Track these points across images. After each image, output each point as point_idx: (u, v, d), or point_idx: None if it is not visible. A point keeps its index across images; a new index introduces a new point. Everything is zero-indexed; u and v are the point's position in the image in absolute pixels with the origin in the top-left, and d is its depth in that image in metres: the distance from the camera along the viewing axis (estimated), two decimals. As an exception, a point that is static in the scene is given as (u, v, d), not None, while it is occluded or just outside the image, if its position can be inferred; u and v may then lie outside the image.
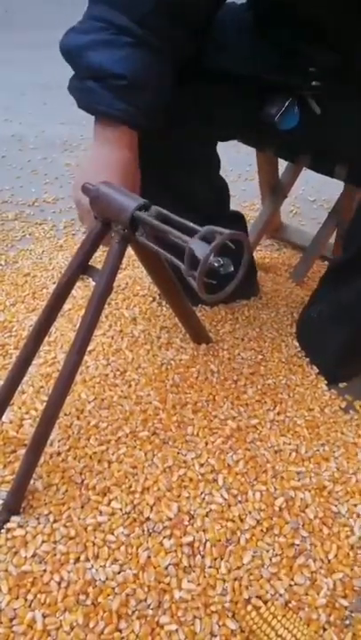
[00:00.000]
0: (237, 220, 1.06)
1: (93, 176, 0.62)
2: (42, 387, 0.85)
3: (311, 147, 0.87)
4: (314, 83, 0.73)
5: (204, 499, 0.71)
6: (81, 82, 0.63)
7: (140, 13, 0.60)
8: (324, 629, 0.60)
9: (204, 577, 0.63)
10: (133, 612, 0.59)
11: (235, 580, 0.63)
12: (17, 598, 0.59)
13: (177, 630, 0.58)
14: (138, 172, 0.65)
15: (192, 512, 0.69)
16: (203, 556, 0.65)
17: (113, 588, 0.61)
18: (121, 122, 0.63)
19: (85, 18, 0.63)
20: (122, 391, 0.85)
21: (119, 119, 0.63)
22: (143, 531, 0.66)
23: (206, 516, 0.69)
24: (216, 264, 0.48)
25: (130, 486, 0.71)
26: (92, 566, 0.62)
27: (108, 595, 0.60)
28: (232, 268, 0.50)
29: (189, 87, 0.74)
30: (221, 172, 0.96)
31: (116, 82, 0.60)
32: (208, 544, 0.65)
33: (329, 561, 0.66)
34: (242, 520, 0.69)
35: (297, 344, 0.99)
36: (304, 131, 0.77)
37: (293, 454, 0.78)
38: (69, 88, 0.65)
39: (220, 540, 0.66)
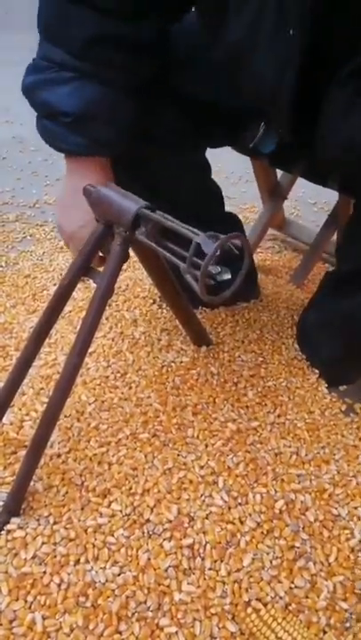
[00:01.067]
0: (234, 224, 1.06)
1: (70, 205, 0.64)
2: (42, 388, 0.85)
3: (301, 158, 0.87)
4: None
5: (204, 501, 0.71)
6: (40, 121, 0.64)
7: (79, 46, 0.59)
8: (325, 632, 0.60)
9: (204, 579, 0.63)
10: (133, 614, 0.59)
11: (235, 582, 0.63)
12: (17, 600, 0.59)
13: (177, 633, 0.58)
14: None
15: (192, 514, 0.69)
16: (203, 559, 0.65)
17: (113, 590, 0.61)
18: (81, 155, 0.64)
19: (36, 57, 0.63)
20: (122, 393, 0.85)
21: (78, 153, 0.63)
22: (143, 533, 0.66)
23: (206, 518, 0.68)
24: (213, 271, 0.49)
25: (130, 488, 0.71)
26: (92, 568, 0.62)
27: (108, 597, 0.60)
28: (229, 276, 0.50)
29: (174, 100, 0.74)
30: (221, 175, 0.97)
31: (64, 119, 0.61)
32: (208, 546, 0.65)
33: (329, 564, 0.66)
34: (242, 522, 0.69)
35: (297, 347, 0.99)
36: (288, 149, 0.76)
37: (294, 457, 0.78)
38: (36, 126, 0.65)
39: (220, 543, 0.66)
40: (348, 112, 0.56)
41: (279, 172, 1.23)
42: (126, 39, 0.60)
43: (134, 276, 1.17)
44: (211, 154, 0.94)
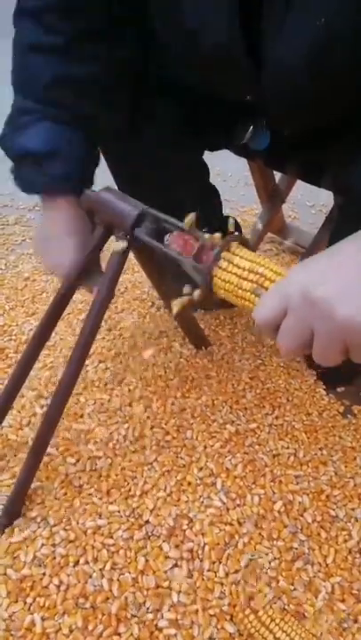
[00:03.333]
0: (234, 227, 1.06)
1: (44, 239, 0.67)
2: (42, 391, 0.86)
3: (295, 159, 0.87)
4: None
5: (202, 502, 0.71)
6: (15, 172, 0.66)
7: (37, 91, 0.62)
8: (322, 633, 0.60)
9: (203, 580, 0.63)
10: (132, 615, 0.59)
11: (233, 583, 0.63)
12: (16, 601, 0.60)
13: (175, 634, 0.58)
14: (87, 225, 0.68)
15: (191, 516, 0.69)
16: (201, 560, 0.65)
17: (112, 592, 0.61)
18: (40, 192, 0.66)
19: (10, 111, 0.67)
20: (121, 395, 0.85)
21: (38, 191, 0.66)
22: (142, 534, 0.67)
23: (205, 519, 0.69)
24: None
25: (129, 490, 0.71)
26: (92, 569, 0.63)
27: (108, 598, 0.60)
28: None
29: (167, 101, 0.74)
30: (220, 178, 0.97)
31: (26, 160, 0.64)
32: (207, 548, 0.66)
33: (327, 565, 0.67)
34: (240, 524, 0.69)
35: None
36: (281, 147, 0.76)
37: (292, 458, 0.79)
38: (14, 178, 0.68)
39: (218, 544, 0.66)
40: (284, 18, 0.54)
41: (277, 176, 1.24)
42: (77, 80, 0.63)
43: (133, 278, 1.17)
44: (209, 157, 0.94)
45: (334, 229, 0.88)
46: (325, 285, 0.39)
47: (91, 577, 0.62)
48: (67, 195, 0.65)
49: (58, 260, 0.66)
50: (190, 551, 0.65)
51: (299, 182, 1.23)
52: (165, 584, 0.62)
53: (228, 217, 1.09)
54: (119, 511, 0.69)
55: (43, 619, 0.58)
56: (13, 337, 0.98)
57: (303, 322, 0.40)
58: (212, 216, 1.01)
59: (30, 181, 0.65)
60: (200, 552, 0.66)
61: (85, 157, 0.67)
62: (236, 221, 1.09)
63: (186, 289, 0.52)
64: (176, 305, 0.53)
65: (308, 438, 0.83)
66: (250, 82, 0.62)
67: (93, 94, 0.65)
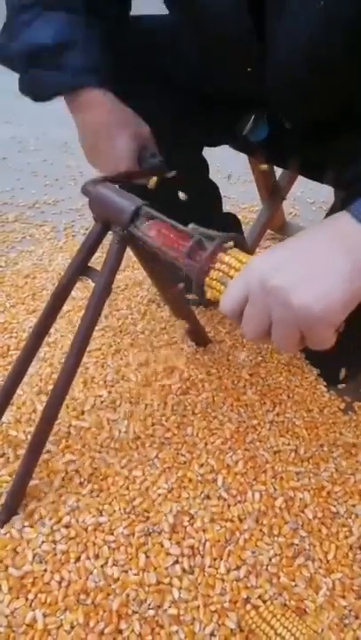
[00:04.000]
0: (233, 223, 1.06)
1: (92, 146, 0.62)
2: (41, 387, 0.86)
3: (295, 154, 0.87)
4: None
5: (203, 499, 0.71)
6: (25, 77, 0.61)
7: None
8: (323, 629, 0.60)
9: (204, 577, 0.63)
10: (134, 611, 0.59)
11: (234, 580, 0.63)
12: (17, 598, 0.60)
13: (177, 630, 0.58)
14: (130, 112, 0.63)
15: (192, 512, 0.69)
16: (202, 556, 0.65)
17: (113, 588, 0.61)
18: (70, 89, 0.61)
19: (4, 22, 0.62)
20: (121, 392, 0.85)
21: (66, 88, 0.61)
22: (143, 531, 0.67)
23: (206, 516, 0.69)
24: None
25: (129, 487, 0.71)
26: (93, 566, 0.63)
27: (109, 594, 0.60)
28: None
29: (164, 96, 0.73)
30: (220, 174, 0.97)
31: (46, 53, 0.58)
32: (208, 544, 0.66)
33: (328, 561, 0.67)
34: (241, 520, 0.69)
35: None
36: (280, 140, 0.76)
37: (293, 455, 0.79)
38: (20, 90, 0.63)
39: (219, 541, 0.66)
40: (286, 12, 0.53)
41: (277, 173, 1.23)
42: None
43: (133, 275, 1.17)
44: (209, 154, 0.94)
45: None
46: (282, 273, 0.39)
47: (92, 573, 0.62)
48: (98, 87, 0.59)
49: (116, 161, 0.61)
50: (191, 547, 0.65)
51: (299, 179, 1.23)
52: (166, 580, 0.62)
53: (228, 214, 1.09)
54: (120, 508, 0.69)
55: (44, 615, 0.58)
56: (14, 334, 0.98)
57: (262, 309, 0.41)
58: (212, 213, 1.01)
59: (49, 82, 0.59)
60: (201, 548, 0.66)
61: (102, 46, 0.61)
62: (236, 218, 1.09)
63: (182, 285, 0.52)
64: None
65: (309, 435, 0.83)
66: (252, 67, 0.61)
67: None
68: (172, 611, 0.60)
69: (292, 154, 0.87)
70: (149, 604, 0.60)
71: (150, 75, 0.72)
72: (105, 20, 0.64)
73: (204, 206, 0.96)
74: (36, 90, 0.61)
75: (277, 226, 1.38)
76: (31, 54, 0.59)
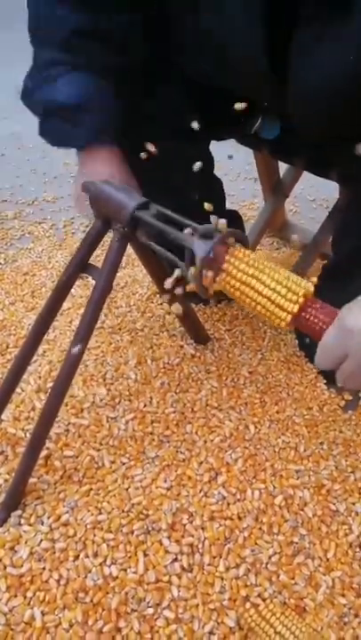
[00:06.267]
0: (235, 220, 1.06)
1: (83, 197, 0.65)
2: (40, 385, 0.85)
3: (303, 150, 0.87)
4: None
5: (203, 497, 0.71)
6: (42, 125, 0.66)
7: (59, 40, 0.62)
8: (323, 627, 0.60)
9: (203, 575, 0.63)
10: (133, 610, 0.59)
11: (233, 578, 0.63)
12: (16, 596, 0.60)
13: (176, 629, 0.58)
14: (130, 175, 0.67)
15: (191, 510, 0.69)
16: (202, 555, 0.65)
17: (112, 587, 0.61)
18: (83, 146, 0.65)
19: (31, 67, 0.66)
20: (120, 389, 0.85)
21: (80, 145, 0.65)
22: (142, 529, 0.66)
23: (205, 514, 0.69)
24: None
25: (129, 485, 0.71)
26: (92, 564, 0.62)
27: (108, 593, 0.60)
28: None
29: (177, 90, 0.74)
30: (221, 171, 0.96)
31: (63, 113, 0.63)
32: (207, 542, 0.66)
33: (328, 559, 0.66)
34: (240, 518, 0.69)
35: (296, 343, 0.99)
36: (290, 137, 0.76)
37: (292, 453, 0.79)
38: (40, 133, 0.67)
39: (218, 539, 0.66)
40: (314, 50, 0.55)
41: (282, 171, 1.23)
42: (101, 31, 0.62)
43: (133, 273, 1.17)
44: (210, 149, 0.93)
45: (342, 221, 0.88)
46: None
47: (90, 571, 0.62)
48: (107, 145, 0.65)
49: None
50: (190, 546, 0.65)
51: (300, 176, 1.22)
52: (165, 579, 0.62)
53: (230, 211, 1.08)
54: (119, 506, 0.68)
55: (43, 613, 0.58)
56: (13, 332, 0.98)
57: None
58: (216, 210, 1.00)
59: (64, 135, 0.64)
60: (200, 546, 0.65)
61: (117, 108, 0.66)
62: (238, 215, 1.08)
63: (177, 272, 0.53)
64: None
65: (309, 433, 0.82)
66: (272, 95, 0.63)
67: (119, 44, 0.65)
68: (172, 609, 0.59)
69: (300, 152, 0.87)
70: (148, 603, 0.60)
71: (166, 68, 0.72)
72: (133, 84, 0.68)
73: (208, 202, 0.95)
74: (52, 138, 0.65)
75: (278, 224, 1.38)
76: (52, 109, 0.63)
